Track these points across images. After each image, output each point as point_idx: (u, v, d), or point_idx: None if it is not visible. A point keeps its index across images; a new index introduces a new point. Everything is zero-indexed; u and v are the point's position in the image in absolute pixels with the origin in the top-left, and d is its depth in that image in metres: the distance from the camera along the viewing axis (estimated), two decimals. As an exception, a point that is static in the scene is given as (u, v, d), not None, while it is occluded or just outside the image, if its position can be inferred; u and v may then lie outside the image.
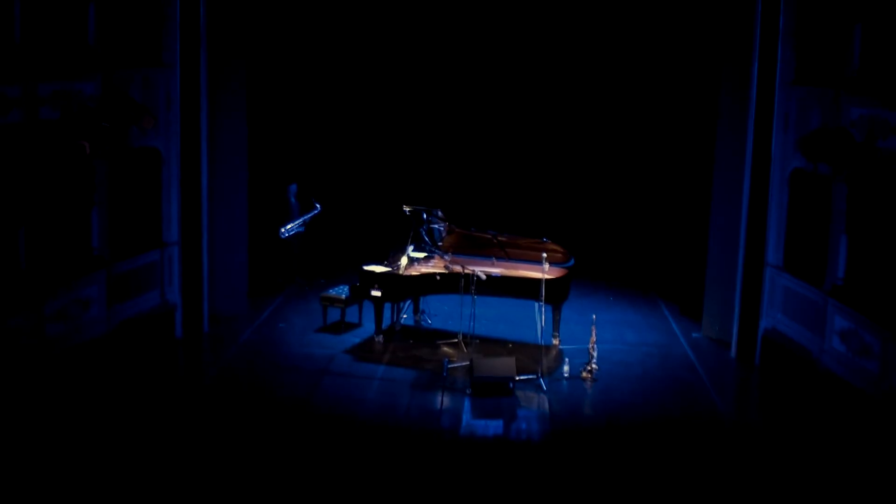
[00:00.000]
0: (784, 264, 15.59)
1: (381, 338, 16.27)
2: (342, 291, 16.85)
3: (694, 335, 17.00)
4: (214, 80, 16.17)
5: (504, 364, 14.42)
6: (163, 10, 15.45)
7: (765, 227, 15.67)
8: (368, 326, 16.67)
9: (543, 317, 15.75)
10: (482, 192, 20.62)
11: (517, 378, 14.40)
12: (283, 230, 18.50)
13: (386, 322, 16.60)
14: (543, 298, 15.37)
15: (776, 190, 15.49)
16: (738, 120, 15.87)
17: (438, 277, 16.08)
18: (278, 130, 18.81)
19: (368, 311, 16.71)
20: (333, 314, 16.87)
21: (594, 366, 15.01)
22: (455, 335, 16.25)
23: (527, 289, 15.89)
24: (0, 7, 12.78)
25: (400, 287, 16.20)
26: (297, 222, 18.67)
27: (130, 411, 13.17)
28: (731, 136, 16.12)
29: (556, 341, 16.25)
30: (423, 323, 17.22)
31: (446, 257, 16.49)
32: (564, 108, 20.46)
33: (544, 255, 15.50)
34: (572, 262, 16.49)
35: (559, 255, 16.37)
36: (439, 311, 17.21)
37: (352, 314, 16.97)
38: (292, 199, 18.76)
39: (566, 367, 15.00)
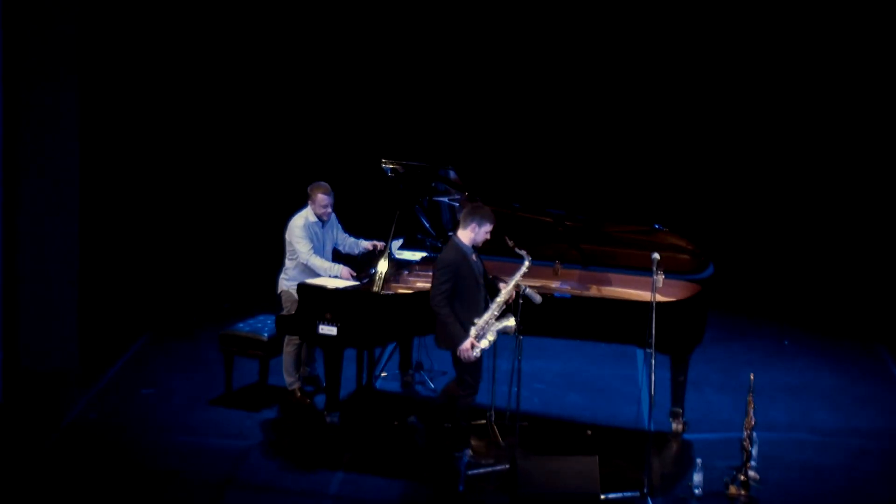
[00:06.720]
0: None
1: (336, 417, 11.33)
2: (263, 327, 11.71)
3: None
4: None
5: (578, 468, 10.43)
6: None
7: None
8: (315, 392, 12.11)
9: (654, 376, 11.02)
10: (535, 137, 15.92)
11: (602, 497, 10.28)
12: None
13: (349, 386, 11.69)
14: (654, 341, 10.84)
15: None
16: None
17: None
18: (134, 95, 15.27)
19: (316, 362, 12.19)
20: (247, 371, 11.76)
21: (753, 474, 10.87)
22: (482, 412, 11.39)
23: (621, 321, 11.32)
24: None
25: (374, 317, 11.30)
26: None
27: None
28: None
29: (678, 425, 11.68)
30: (418, 387, 12.49)
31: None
32: None
33: (656, 256, 10.77)
34: (711, 270, 11.83)
35: (686, 257, 11.73)
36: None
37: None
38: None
39: (698, 476, 10.78)
